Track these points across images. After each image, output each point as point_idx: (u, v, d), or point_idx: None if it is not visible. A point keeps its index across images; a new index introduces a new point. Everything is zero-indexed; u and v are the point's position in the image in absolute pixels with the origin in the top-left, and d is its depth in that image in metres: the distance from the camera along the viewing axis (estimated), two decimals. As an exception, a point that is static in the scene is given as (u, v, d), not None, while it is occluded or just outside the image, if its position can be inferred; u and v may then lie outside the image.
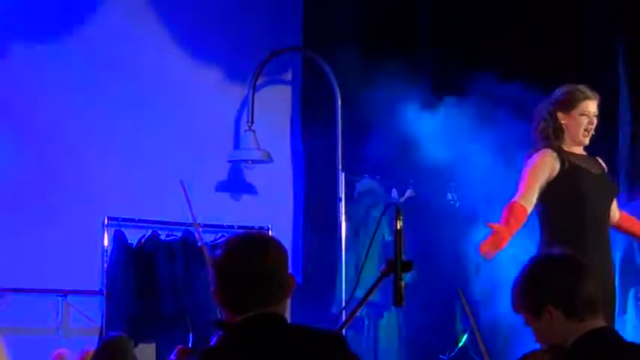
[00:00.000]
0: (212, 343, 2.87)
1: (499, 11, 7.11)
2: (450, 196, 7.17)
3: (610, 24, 7.03)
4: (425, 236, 6.65)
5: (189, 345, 6.17)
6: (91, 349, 5.57)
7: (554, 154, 5.07)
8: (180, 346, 3.40)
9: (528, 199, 5.00)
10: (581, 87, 5.18)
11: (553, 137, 5.11)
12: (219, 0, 7.09)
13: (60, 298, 6.27)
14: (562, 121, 5.12)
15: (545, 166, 5.05)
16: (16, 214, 6.13)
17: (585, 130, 5.12)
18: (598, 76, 6.25)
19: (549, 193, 5.03)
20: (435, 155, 6.57)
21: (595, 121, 5.14)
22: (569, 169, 5.05)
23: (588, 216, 5.01)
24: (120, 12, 6.69)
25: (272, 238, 3.00)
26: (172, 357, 3.41)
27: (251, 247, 2.89)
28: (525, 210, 4.97)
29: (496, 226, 4.90)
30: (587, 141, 5.16)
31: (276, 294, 2.87)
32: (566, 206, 5.01)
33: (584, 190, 5.03)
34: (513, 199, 4.99)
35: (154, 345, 6.43)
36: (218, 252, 2.92)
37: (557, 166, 5.05)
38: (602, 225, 5.10)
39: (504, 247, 4.92)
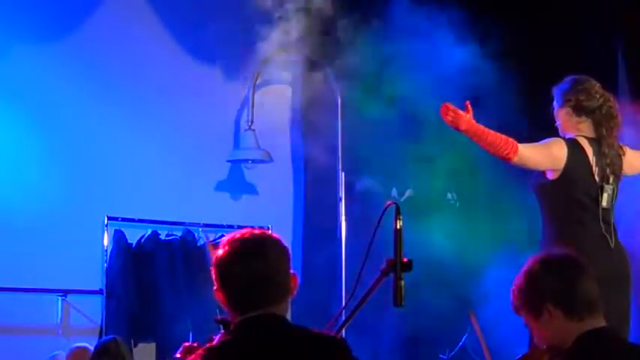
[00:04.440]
0: (215, 342, 2.84)
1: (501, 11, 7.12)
2: (449, 195, 7.17)
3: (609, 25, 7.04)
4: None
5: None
6: (80, 346, 5.59)
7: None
8: (186, 344, 3.39)
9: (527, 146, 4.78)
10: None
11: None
12: (219, 0, 7.09)
13: (60, 298, 6.27)
14: None
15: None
16: (16, 214, 6.14)
17: None
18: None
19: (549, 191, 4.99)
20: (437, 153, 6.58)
21: None
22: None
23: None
24: (120, 12, 6.69)
25: (272, 237, 2.92)
26: (178, 354, 3.41)
27: (251, 247, 2.83)
28: (516, 145, 4.64)
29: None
30: None
31: (278, 294, 2.83)
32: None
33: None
34: None
35: (153, 345, 6.43)
36: (219, 251, 2.87)
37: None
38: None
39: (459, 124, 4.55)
